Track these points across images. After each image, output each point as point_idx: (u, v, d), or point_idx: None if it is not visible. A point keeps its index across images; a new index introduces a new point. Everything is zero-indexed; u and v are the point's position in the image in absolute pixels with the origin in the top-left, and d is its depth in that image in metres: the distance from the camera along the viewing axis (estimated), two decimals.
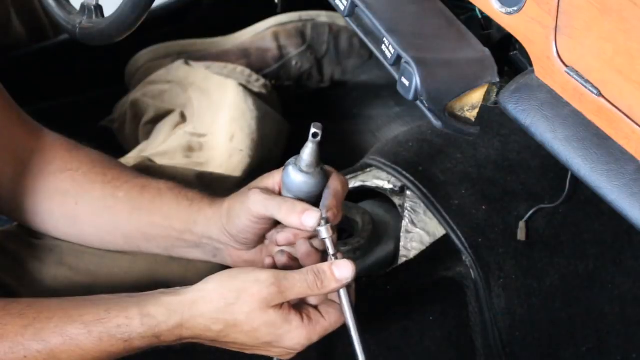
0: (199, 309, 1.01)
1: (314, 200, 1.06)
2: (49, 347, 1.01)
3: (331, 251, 1.04)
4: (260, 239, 1.14)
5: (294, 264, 1.09)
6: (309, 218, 1.04)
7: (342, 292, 1.03)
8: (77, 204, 1.21)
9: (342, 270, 1.02)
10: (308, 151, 1.05)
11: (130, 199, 1.19)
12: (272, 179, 1.12)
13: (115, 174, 1.22)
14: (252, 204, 1.08)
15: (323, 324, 1.04)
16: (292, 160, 1.07)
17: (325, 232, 1.03)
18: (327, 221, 1.04)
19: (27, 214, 1.23)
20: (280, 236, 1.11)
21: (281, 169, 1.10)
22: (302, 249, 1.08)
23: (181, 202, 1.18)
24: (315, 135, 1.03)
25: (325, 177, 1.07)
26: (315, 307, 1.05)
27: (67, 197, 1.21)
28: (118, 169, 1.24)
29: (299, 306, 1.04)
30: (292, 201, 1.06)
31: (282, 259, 1.09)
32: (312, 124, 1.04)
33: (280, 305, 1.01)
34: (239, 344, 1.04)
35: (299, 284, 1.01)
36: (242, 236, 1.13)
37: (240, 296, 1.00)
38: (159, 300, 1.02)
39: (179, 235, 1.17)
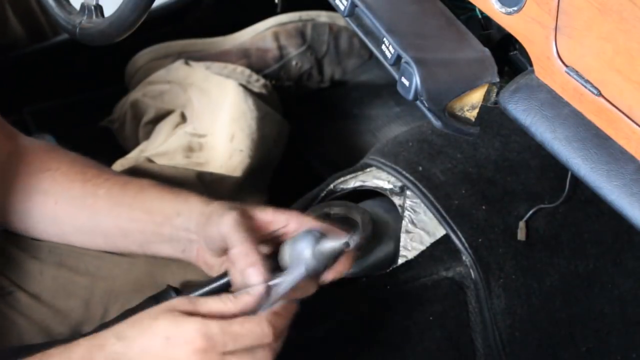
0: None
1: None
2: None
3: None
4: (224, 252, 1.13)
5: None
6: (253, 275, 1.03)
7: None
8: (57, 203, 1.20)
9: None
10: (330, 251, 1.04)
11: (111, 196, 1.19)
12: (269, 217, 1.11)
13: (95, 173, 1.22)
14: (223, 223, 1.08)
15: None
16: (311, 234, 1.06)
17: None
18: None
19: (5, 214, 1.22)
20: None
21: (285, 213, 1.11)
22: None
23: (164, 195, 1.18)
24: (347, 245, 1.03)
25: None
26: None
27: (47, 197, 1.21)
28: (97, 168, 1.24)
29: None
30: (250, 247, 1.06)
31: None
32: (351, 237, 1.03)
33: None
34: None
35: (211, 300, 0.98)
36: (209, 243, 1.13)
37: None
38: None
39: (156, 229, 1.17)
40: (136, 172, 1.45)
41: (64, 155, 1.24)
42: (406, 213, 1.33)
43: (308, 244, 1.05)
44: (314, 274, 1.06)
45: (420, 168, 1.34)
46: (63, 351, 0.99)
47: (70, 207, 1.20)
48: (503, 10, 0.91)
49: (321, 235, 1.06)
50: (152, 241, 1.19)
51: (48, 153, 1.24)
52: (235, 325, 0.97)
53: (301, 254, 1.05)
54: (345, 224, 1.34)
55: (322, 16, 1.88)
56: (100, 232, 1.20)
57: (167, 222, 1.16)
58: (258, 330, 0.97)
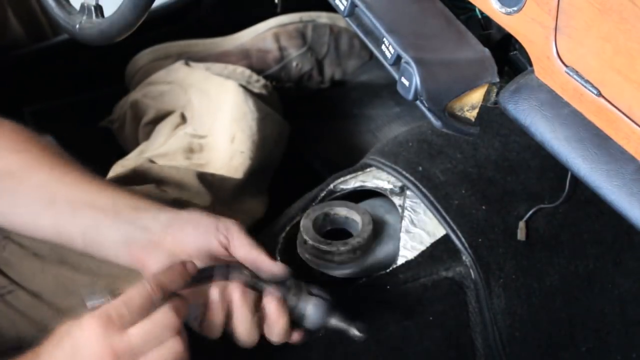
0: None
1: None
2: None
3: None
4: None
5: None
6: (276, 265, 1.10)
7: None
8: (22, 183, 1.17)
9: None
10: (336, 328, 1.12)
11: (76, 182, 1.16)
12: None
13: (67, 159, 1.19)
14: (231, 231, 1.10)
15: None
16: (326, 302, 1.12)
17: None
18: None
19: None
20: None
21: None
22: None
23: (133, 195, 1.17)
24: (356, 336, 1.11)
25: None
26: None
27: (13, 178, 1.17)
28: (67, 156, 1.21)
29: None
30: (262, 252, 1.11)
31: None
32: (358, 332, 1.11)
33: None
34: None
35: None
36: (183, 245, 1.12)
37: None
38: None
39: (112, 207, 1.14)
40: (137, 173, 1.44)
41: (35, 139, 1.21)
42: (406, 213, 1.33)
43: (323, 310, 1.11)
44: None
45: (420, 168, 1.34)
46: None
47: (33, 187, 1.16)
48: (503, 10, 0.91)
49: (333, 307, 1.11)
50: (102, 221, 1.14)
51: (18, 134, 1.20)
52: (140, 326, 0.97)
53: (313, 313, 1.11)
54: (345, 224, 1.34)
55: (323, 17, 1.88)
56: (55, 210, 1.16)
57: (126, 209, 1.14)
58: (164, 320, 0.98)
